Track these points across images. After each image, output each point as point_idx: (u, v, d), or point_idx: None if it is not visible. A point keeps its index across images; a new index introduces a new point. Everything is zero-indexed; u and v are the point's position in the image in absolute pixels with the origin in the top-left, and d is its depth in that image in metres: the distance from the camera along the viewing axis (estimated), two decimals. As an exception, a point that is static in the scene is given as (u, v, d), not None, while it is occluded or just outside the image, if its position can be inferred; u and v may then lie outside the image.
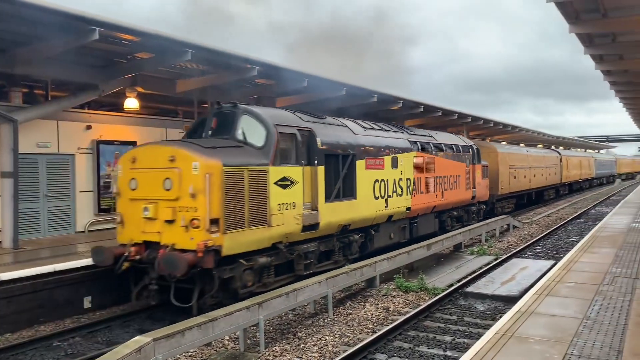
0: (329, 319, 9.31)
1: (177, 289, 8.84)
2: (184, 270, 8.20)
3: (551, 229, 20.26)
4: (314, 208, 10.80)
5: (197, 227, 8.51)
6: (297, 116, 11.32)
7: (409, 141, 15.33)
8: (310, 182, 10.77)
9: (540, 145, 43.69)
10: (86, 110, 15.06)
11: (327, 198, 11.17)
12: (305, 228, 10.52)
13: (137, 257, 9.07)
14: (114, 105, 16.13)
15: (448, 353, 7.57)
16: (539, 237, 18.32)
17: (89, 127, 14.77)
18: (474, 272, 12.71)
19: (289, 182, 10.13)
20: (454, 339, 8.13)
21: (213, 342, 8.05)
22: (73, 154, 14.43)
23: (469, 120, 28.80)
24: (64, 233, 14.12)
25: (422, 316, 9.30)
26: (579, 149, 58.72)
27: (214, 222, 8.56)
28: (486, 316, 9.36)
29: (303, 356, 7.58)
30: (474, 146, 20.21)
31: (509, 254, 14.91)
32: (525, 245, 16.63)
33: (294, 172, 10.32)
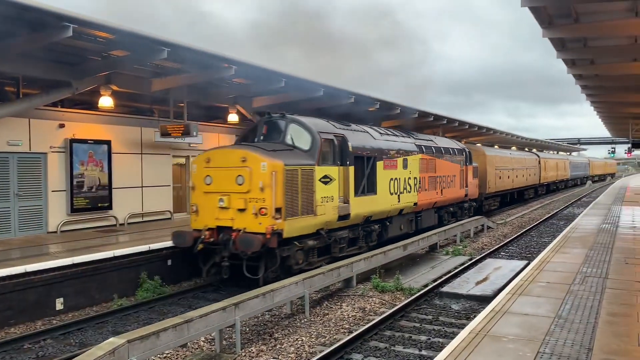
0: (305, 320, 9.31)
1: (234, 266, 10.92)
2: (258, 247, 10.19)
3: (524, 230, 20.60)
4: (346, 201, 12.91)
5: (265, 214, 10.61)
6: (331, 124, 13.35)
7: (416, 145, 17.57)
8: (344, 180, 12.87)
9: (514, 148, 44.63)
10: (59, 109, 14.77)
11: (356, 193, 13.26)
12: (340, 218, 12.62)
13: (211, 239, 11.09)
14: (88, 103, 15.84)
15: (423, 352, 7.63)
16: (513, 237, 18.61)
17: (61, 126, 14.49)
18: (449, 272, 12.85)
19: (328, 179, 12.27)
20: (429, 339, 8.20)
21: (189, 344, 7.98)
22: (45, 153, 14.15)
23: (445, 122, 29.11)
24: (35, 233, 13.83)
25: (398, 316, 9.36)
26: (552, 152, 60.29)
27: (278, 210, 10.66)
28: (461, 316, 9.47)
29: (279, 357, 7.57)
30: (467, 149, 22.49)
31: (483, 254, 15.11)
32: (499, 245, 16.88)
33: (332, 171, 12.44)
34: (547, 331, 5.97)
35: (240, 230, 10.77)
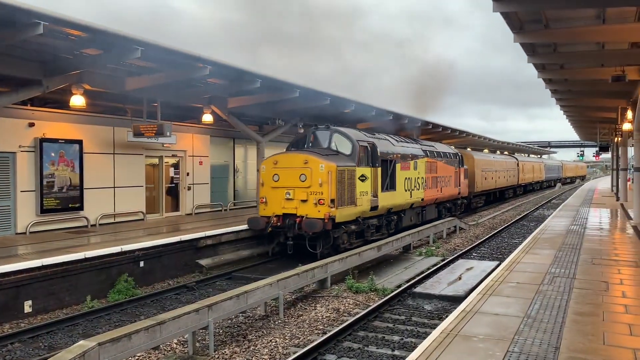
0: (279, 321, 9.29)
1: (285, 246, 14.36)
2: (320, 228, 13.46)
3: (496, 231, 20.93)
4: (375, 195, 16.07)
5: (323, 204, 13.84)
6: (363, 133, 16.76)
7: (422, 150, 20.87)
8: (374, 178, 16.03)
9: (485, 150, 45.47)
10: (29, 107, 14.45)
11: (382, 189, 16.46)
12: (372, 209, 15.81)
13: (278, 224, 14.24)
14: (59, 102, 15.52)
15: (396, 352, 7.70)
16: (484, 238, 18.90)
17: (31, 125, 14.18)
18: (422, 272, 12.98)
19: (364, 178, 15.48)
20: (402, 339, 8.28)
21: (161, 346, 7.89)
22: (14, 152, 13.82)
23: (419, 124, 29.39)
24: (3, 234, 13.51)
25: (371, 317, 9.42)
26: (527, 155, 61.96)
27: (332, 201, 13.88)
28: (433, 316, 9.57)
29: (253, 358, 7.54)
30: (459, 154, 26.10)
31: (456, 255, 15.31)
32: (471, 246, 17.12)
33: (367, 171, 15.70)
34: (516, 330, 6.08)
35: (303, 216, 13.97)
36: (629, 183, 29.31)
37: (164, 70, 14.18)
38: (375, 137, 17.27)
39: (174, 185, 19.21)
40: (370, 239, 15.75)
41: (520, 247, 12.51)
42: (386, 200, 16.80)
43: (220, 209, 20.70)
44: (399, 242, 15.54)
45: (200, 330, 8.17)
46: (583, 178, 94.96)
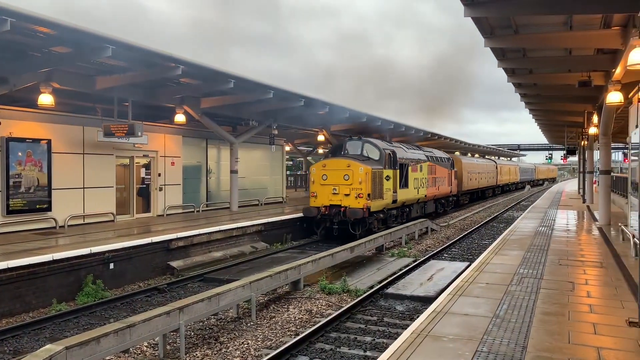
0: (252, 323, 9.25)
1: (331, 230, 18.60)
2: (360, 216, 17.69)
3: (466, 232, 21.23)
4: (395, 191, 20.59)
5: (362, 197, 18.11)
6: (385, 143, 21.63)
7: (425, 155, 25.58)
8: (394, 178, 20.47)
9: (457, 153, 46.22)
10: (-5, 105, 14.08)
11: (400, 187, 21.05)
12: (393, 202, 20.41)
13: (326, 212, 18.36)
14: (27, 100, 15.16)
15: (368, 353, 7.74)
16: (455, 240, 19.15)
17: (-3, 123, 13.82)
18: (395, 273, 13.08)
19: (389, 178, 19.90)
20: (374, 339, 8.33)
21: (131, 349, 7.77)
22: (-21, 151, 13.45)
23: (392, 126, 29.62)
24: (-33, 236, 13.12)
25: (344, 318, 9.45)
26: (503, 158, 64.49)
27: (368, 195, 18.16)
28: (405, 316, 9.66)
29: (225, 360, 7.48)
30: (451, 158, 31.37)
31: (427, 256, 15.48)
32: (443, 247, 17.33)
33: (390, 172, 20.06)
34: (485, 330, 6.18)
35: (346, 206, 18.22)
36: (595, 186, 30.09)
37: (136, 69, 13.99)
38: (394, 146, 22.00)
39: (145, 186, 18.95)
40: (391, 225, 20.50)
41: (490, 248, 12.72)
42: (402, 195, 21.59)
43: (193, 210, 20.50)
44: (372, 243, 15.63)
45: (172, 333, 8.08)
46: (554, 180, 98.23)
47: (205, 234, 14.92)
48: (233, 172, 21.29)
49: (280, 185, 27.52)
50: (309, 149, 47.97)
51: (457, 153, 42.04)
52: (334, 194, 18.67)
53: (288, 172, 46.43)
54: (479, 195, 42.23)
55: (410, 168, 22.46)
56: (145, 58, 12.83)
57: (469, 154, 49.64)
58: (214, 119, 20.08)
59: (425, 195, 24.70)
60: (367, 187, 18.44)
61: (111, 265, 11.94)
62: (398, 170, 20.97)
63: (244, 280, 9.66)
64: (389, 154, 20.49)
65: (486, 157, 53.33)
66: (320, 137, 28.17)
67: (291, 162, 69.64)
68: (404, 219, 22.23)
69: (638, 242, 10.55)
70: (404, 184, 21.71)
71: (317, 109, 21.63)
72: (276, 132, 23.22)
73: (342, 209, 18.30)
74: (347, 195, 18.49)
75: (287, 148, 36.14)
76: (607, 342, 5.80)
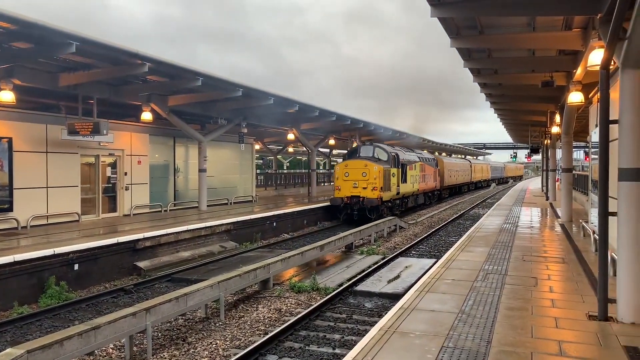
0: (220, 323, 9.18)
1: (352, 215, 23.56)
2: (375, 204, 23.02)
3: (434, 230, 21.52)
4: (398, 185, 25.95)
5: (376, 190, 23.10)
6: (390, 147, 26.74)
7: (417, 157, 31.58)
8: (398, 175, 25.85)
9: (425, 151, 47.27)
10: (-48, 102, 13.57)
11: (401, 182, 26.45)
12: (397, 194, 25.76)
13: (348, 202, 23.36)
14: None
15: (337, 351, 7.77)
16: (423, 237, 19.39)
17: (-45, 121, 13.34)
18: (364, 271, 13.16)
19: (394, 175, 25.22)
20: (343, 337, 8.36)
21: (96, 352, 7.62)
22: None
23: (361, 125, 29.77)
24: None
25: (313, 316, 9.46)
26: (472, 157, 69.08)
27: (381, 188, 23.13)
28: (373, 313, 9.73)
29: (193, 361, 7.40)
30: (435, 159, 37.99)
31: (396, 253, 15.62)
32: (411, 244, 17.52)
33: (395, 171, 25.44)
34: (451, 326, 6.27)
35: (364, 197, 23.48)
36: (557, 183, 30.88)
37: (101, 66, 13.71)
38: (396, 150, 27.79)
39: (111, 185, 18.59)
40: (395, 212, 25.99)
41: (456, 245, 12.92)
42: (403, 189, 27.37)
43: (160, 209, 20.20)
44: (341, 241, 15.69)
45: (138, 334, 7.95)
46: (520, 178, 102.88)
47: (173, 233, 14.73)
48: (201, 170, 21.06)
49: (250, 184, 27.37)
50: (279, 148, 47.86)
51: (436, 153, 48.42)
52: (354, 187, 23.95)
53: (258, 171, 46.20)
54: (457, 190, 48.26)
55: (408, 167, 28.10)
56: (111, 55, 12.59)
57: (444, 154, 54.09)
58: (182, 117, 19.84)
59: (418, 190, 30.93)
60: (380, 182, 23.91)
61: (76, 266, 11.68)
62: (400, 169, 26.62)
63: (212, 280, 9.57)
64: (394, 156, 26.18)
65: (460, 156, 59.99)
66: (290, 136, 28.15)
67: (261, 161, 69.36)
68: (403, 207, 28.28)
69: (598, 238, 10.86)
70: (404, 179, 27.44)
71: (286, 108, 21.60)
72: (245, 130, 23.08)
73: (361, 199, 23.64)
74: (364, 188, 23.80)
75: (257, 146, 35.99)
76: (568, 335, 5.95)
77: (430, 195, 35.08)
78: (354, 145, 34.01)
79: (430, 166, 34.47)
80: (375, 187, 23.64)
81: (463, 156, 66.72)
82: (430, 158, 35.44)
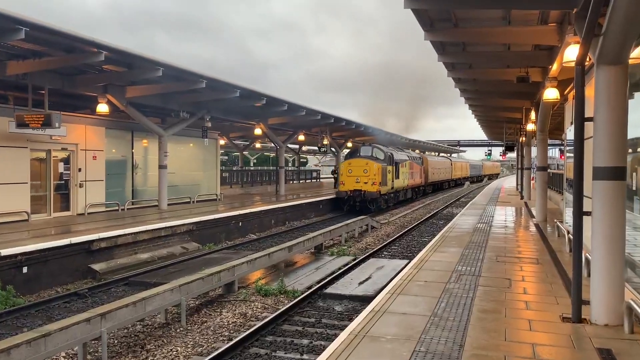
0: (181, 329, 9.08)
1: (355, 206, 28.51)
2: (375, 197, 28.48)
3: (406, 229, 21.75)
4: (393, 181, 31.35)
5: (375, 184, 28.50)
6: (385, 147, 32.07)
7: (407, 156, 37.06)
8: (392, 172, 31.17)
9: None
10: None
11: (395, 178, 31.77)
12: (391, 188, 31.33)
13: (351, 194, 28.38)
14: None
15: (305, 357, 7.78)
16: (395, 237, 19.58)
17: None
18: (334, 273, 13.20)
19: (389, 172, 30.75)
20: (311, 342, 8.38)
21: (46, 361, 7.43)
22: None
23: (332, 121, 29.84)
24: None
25: (280, 320, 9.45)
26: (445, 154, 71.62)
27: (379, 183, 28.84)
28: (343, 317, 9.78)
29: (151, 370, 7.30)
30: (421, 157, 44.41)
31: (367, 254, 15.73)
32: (382, 245, 17.67)
33: (390, 168, 30.81)
34: (423, 329, 6.35)
35: (365, 191, 27.99)
36: (532, 182, 31.57)
37: (53, 54, 13.39)
38: (391, 150, 33.00)
39: (63, 182, 18.17)
40: (390, 205, 31.90)
41: (429, 245, 13.08)
42: (396, 184, 32.74)
43: (117, 208, 19.85)
44: (310, 242, 15.70)
45: (93, 342, 7.80)
46: (497, 176, 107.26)
47: (131, 234, 14.50)
48: (162, 167, 20.77)
49: (214, 181, 27.14)
50: (246, 143, 47.56)
51: (425, 153, 56.62)
52: (357, 182, 28.74)
53: (223, 168, 45.83)
54: (439, 186, 54.09)
55: (400, 165, 33.58)
56: (64, 42, 12.30)
57: (426, 152, 59.37)
58: (141, 110, 19.52)
59: (407, 185, 36.51)
60: (379, 178, 29.04)
61: (24, 270, 11.38)
62: (394, 167, 31.86)
63: (173, 283, 9.46)
64: (390, 155, 31.35)
65: (441, 155, 66.54)
66: (257, 131, 28.02)
67: (226, 157, 68.85)
68: (396, 200, 34.02)
69: (572, 238, 11.14)
70: (397, 176, 32.78)
71: (253, 101, 21.49)
72: (209, 124, 22.87)
73: (363, 192, 28.46)
74: (365, 183, 28.66)
75: (222, 142, 35.66)
76: (542, 338, 6.10)
77: (417, 190, 41.28)
78: (324, 141, 34.35)
79: (417, 164, 40.58)
80: (375, 182, 28.71)
81: (448, 155, 72.82)
82: (417, 157, 41.91)
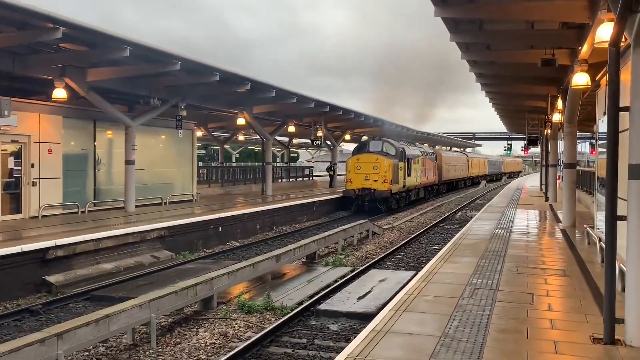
0: (151, 351, 9.07)
1: (363, 206, 30.48)
2: (385, 195, 30.38)
3: (413, 236, 21.80)
4: (404, 179, 33.20)
5: (386, 182, 30.27)
6: (397, 142, 34.38)
7: (420, 151, 38.61)
8: (405, 169, 33.12)
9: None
10: None
11: (407, 175, 33.80)
12: (403, 186, 33.24)
13: (359, 193, 30.21)
14: None
15: (295, 384, 7.77)
16: (400, 244, 19.62)
17: None
18: (329, 286, 13.21)
19: (401, 168, 32.53)
20: (302, 367, 8.37)
21: (-8, 389, 7.40)
22: None
23: (327, 109, 29.87)
24: None
25: (266, 341, 9.44)
26: (462, 150, 71.56)
27: (390, 181, 30.56)
28: (340, 338, 9.78)
29: (116, 399, 7.28)
30: (435, 153, 45.50)
31: (367, 265, 15.75)
32: (385, 254, 17.70)
33: (402, 164, 32.69)
34: (432, 352, 6.36)
35: (375, 189, 29.63)
36: (558, 181, 31.71)
37: (2, 30, 13.32)
38: (402, 144, 34.88)
39: (14, 179, 18.09)
40: (401, 204, 33.76)
41: (439, 254, 13.11)
42: (408, 182, 34.48)
43: (76, 210, 19.78)
44: (302, 250, 15.71)
45: (47, 366, 7.75)
46: (519, 174, 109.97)
47: (93, 240, 14.47)
48: (129, 162, 20.71)
49: (190, 179, 27.10)
50: (227, 135, 47.55)
51: (437, 148, 56.80)
52: (366, 180, 30.32)
53: (200, 164, 45.81)
54: (454, 185, 56.36)
55: (412, 161, 35.24)
56: (15, 16, 12.24)
57: (436, 146, 59.93)
58: (105, 96, 19.46)
59: (420, 183, 38.25)
60: (390, 175, 30.57)
61: (-33, 282, 11.31)
62: (406, 163, 33.58)
63: (141, 298, 9.44)
64: (401, 150, 33.16)
65: (457, 150, 68.67)
66: (240, 121, 27.98)
67: (204, 151, 68.95)
68: (408, 200, 35.73)
69: (605, 246, 11.18)
70: (409, 173, 34.55)
71: (235, 86, 21.47)
72: (184, 113, 22.80)
73: (372, 190, 30.01)
74: (375, 181, 30.23)
75: (199, 134, 35.67)
76: (569, 362, 6.11)
77: (430, 189, 43.18)
78: (318, 133, 34.33)
79: (431, 160, 42.05)
80: (385, 179, 30.26)
81: (462, 149, 75.43)
82: (430, 152, 43.39)
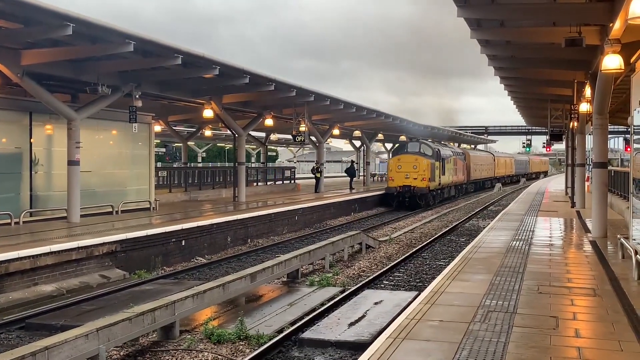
0: (100, 389, 9.00)
1: (404, 202, 42.64)
2: (424, 192, 42.43)
3: (414, 249, 21.84)
4: (440, 177, 45.97)
5: (425, 180, 42.30)
6: (432, 143, 48.52)
7: (451, 151, 51.48)
8: (440, 168, 45.74)
9: (402, 138, 50.37)
10: None
11: (442, 174, 46.49)
12: (439, 184, 46.10)
13: (400, 190, 42.26)
14: None
15: None
16: (399, 260, 19.64)
17: None
18: (314, 310, 13.20)
19: (437, 167, 44.80)
20: (283, 407, 8.36)
21: None
22: None
23: (312, 98, 29.87)
24: None
25: (238, 377, 9.41)
26: (489, 150, 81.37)
27: (429, 179, 42.83)
28: (327, 372, 9.78)
29: None
30: (464, 152, 56.75)
31: (360, 284, 15.74)
32: (382, 271, 17.71)
33: (437, 164, 45.08)
34: (438, 388, 6.35)
35: (414, 186, 41.43)
36: (587, 184, 31.85)
37: None
38: (438, 146, 46.19)
39: None
40: (436, 201, 44.81)
41: (446, 270, 13.13)
42: (443, 180, 45.04)
43: (9, 221, 19.63)
44: (281, 267, 15.68)
45: (-28, 410, 7.70)
46: (546, 174, 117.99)
47: (28, 257, 14.37)
48: (72, 163, 20.60)
49: (147, 183, 27.01)
50: (191, 130, 47.40)
51: (465, 146, 71.94)
52: (406, 178, 40.68)
53: (159, 165, 45.64)
54: (481, 185, 66.21)
55: (446, 161, 45.37)
56: None
57: (450, 144, 65.56)
58: (43, 83, 19.36)
59: (452, 182, 48.92)
60: (428, 174, 40.87)
61: None
62: (441, 162, 43.84)
63: (88, 326, 9.38)
64: (437, 151, 43.99)
65: (484, 149, 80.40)
66: (208, 112, 27.89)
67: (164, 150, 68.65)
68: (442, 197, 46.35)
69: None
70: (443, 172, 44.80)
71: (202, 71, 21.43)
72: (140, 103, 22.72)
73: (412, 188, 40.31)
74: (415, 179, 40.48)
75: (158, 128, 35.53)
76: (600, 397, 6.14)
77: (459, 188, 54.18)
78: (301, 127, 34.27)
79: (460, 160, 53.15)
80: (424, 177, 40.79)
81: (473, 146, 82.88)
82: (459, 152, 54.87)
